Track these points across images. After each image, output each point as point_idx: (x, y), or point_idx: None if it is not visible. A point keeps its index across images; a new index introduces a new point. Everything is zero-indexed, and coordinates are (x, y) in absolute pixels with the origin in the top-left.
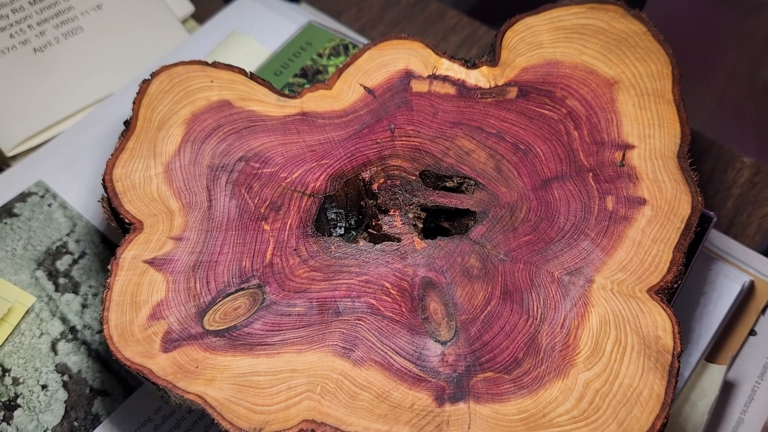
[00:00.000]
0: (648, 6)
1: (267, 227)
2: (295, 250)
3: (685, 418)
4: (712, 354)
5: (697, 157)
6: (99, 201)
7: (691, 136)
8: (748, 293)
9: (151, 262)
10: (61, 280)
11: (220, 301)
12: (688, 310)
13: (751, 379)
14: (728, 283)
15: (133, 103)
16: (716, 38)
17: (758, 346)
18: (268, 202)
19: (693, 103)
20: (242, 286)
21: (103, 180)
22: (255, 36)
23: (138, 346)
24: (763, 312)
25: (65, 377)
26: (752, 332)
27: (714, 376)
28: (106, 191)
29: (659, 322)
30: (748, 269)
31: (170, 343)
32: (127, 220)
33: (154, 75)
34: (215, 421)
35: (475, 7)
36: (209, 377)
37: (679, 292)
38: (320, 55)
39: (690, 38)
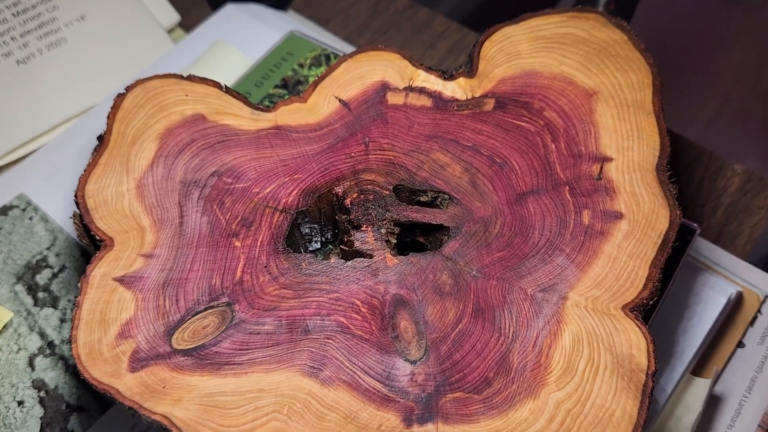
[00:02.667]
0: (649, 7)
1: (238, 244)
2: (266, 267)
3: None
4: (697, 367)
5: (687, 166)
6: (70, 217)
7: (681, 144)
8: (735, 305)
9: (120, 280)
10: (41, 295)
11: (189, 319)
12: (673, 322)
13: (738, 393)
14: (714, 295)
15: (108, 117)
16: (721, 39)
17: (746, 359)
18: (239, 218)
19: (696, 105)
20: (211, 304)
21: (75, 196)
22: (239, 45)
23: (106, 366)
24: (751, 323)
25: (42, 393)
26: (740, 344)
27: (699, 390)
28: (78, 207)
29: (633, 340)
30: (737, 279)
31: (138, 362)
32: (98, 237)
33: (128, 89)
34: None
35: (470, 16)
36: (176, 397)
37: (662, 304)
38: (301, 66)
39: (693, 39)
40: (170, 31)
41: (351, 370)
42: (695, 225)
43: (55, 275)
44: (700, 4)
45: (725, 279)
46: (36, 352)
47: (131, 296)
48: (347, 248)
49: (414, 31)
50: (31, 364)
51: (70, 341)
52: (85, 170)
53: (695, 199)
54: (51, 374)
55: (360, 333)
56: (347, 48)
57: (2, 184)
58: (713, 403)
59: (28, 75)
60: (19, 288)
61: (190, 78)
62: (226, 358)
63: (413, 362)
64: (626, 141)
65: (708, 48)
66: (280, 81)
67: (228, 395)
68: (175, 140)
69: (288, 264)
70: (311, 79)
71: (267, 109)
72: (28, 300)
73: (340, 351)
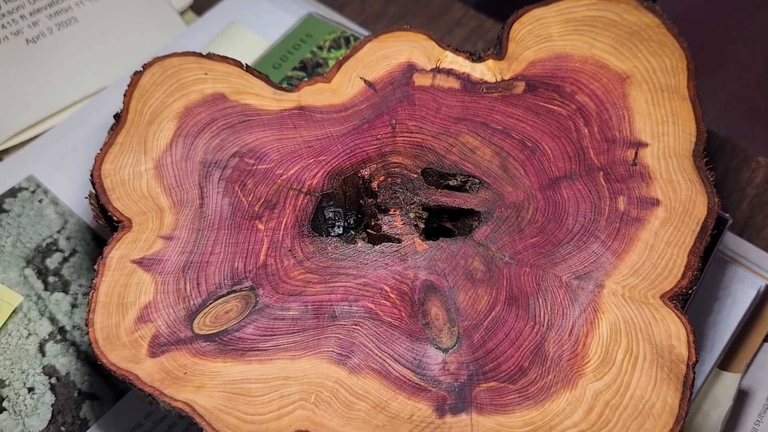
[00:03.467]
0: (660, 2)
1: (261, 226)
2: (290, 250)
3: (697, 429)
4: (725, 361)
5: (711, 157)
6: (86, 198)
7: None
8: (763, 298)
9: (139, 262)
10: (51, 279)
11: (210, 303)
12: (701, 316)
13: (766, 388)
14: (743, 287)
15: (124, 95)
16: (729, 34)
17: None
18: (262, 200)
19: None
20: (234, 288)
21: (91, 176)
22: (254, 28)
23: (124, 351)
24: None
25: (53, 380)
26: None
27: (728, 384)
28: (94, 187)
29: (673, 330)
30: (764, 273)
31: (158, 347)
32: (115, 218)
33: (146, 67)
34: (204, 431)
35: (482, 1)
36: (198, 384)
37: (693, 297)
38: (320, 48)
39: (702, 34)
40: (182, 13)
41: (380, 357)
42: (727, 215)
43: (65, 259)
44: (708, 1)
45: (753, 272)
46: (47, 337)
47: (150, 279)
48: (374, 232)
49: (431, 17)
50: (41, 349)
51: (86, 324)
52: (101, 149)
53: (719, 190)
54: (62, 360)
55: (389, 319)
56: (364, 32)
57: (11, 165)
58: (740, 398)
59: (38, 55)
60: (29, 272)
61: (210, 56)
62: (249, 344)
63: (445, 350)
64: (661, 126)
65: (716, 45)
66: (299, 63)
67: (252, 382)
68: (195, 120)
69: (313, 248)
70: (330, 62)
71: (290, 89)
72: (39, 284)
73: (368, 338)
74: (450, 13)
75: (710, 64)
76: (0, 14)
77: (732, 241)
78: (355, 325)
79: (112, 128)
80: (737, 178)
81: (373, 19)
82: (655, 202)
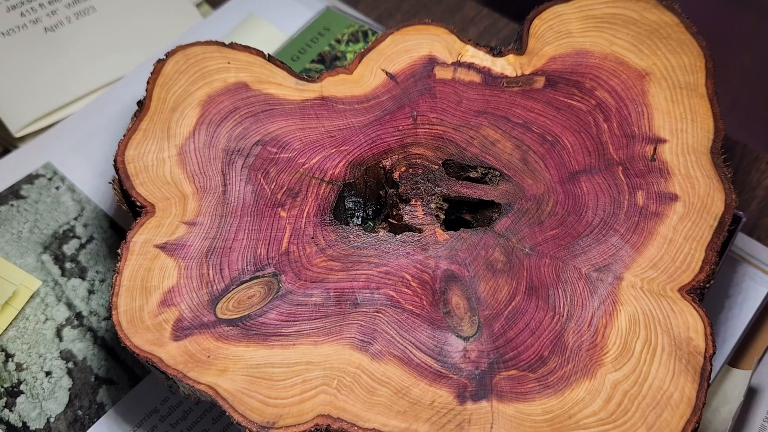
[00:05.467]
0: None
1: (283, 214)
2: (313, 238)
3: (706, 425)
4: (735, 358)
5: None
6: (110, 182)
7: None
8: None
9: (162, 247)
10: (68, 265)
11: (233, 289)
12: (712, 313)
13: None
14: (754, 285)
15: (147, 82)
16: (730, 41)
17: None
18: (285, 189)
19: None
20: (257, 274)
21: (115, 161)
22: (271, 21)
23: (147, 334)
24: None
25: (70, 364)
26: None
27: (738, 381)
28: (117, 173)
29: (691, 322)
30: None
31: (181, 331)
32: (138, 203)
33: (169, 55)
34: (226, 414)
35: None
36: (221, 368)
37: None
38: (338, 41)
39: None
40: (197, 5)
41: (402, 344)
42: (740, 213)
43: (82, 246)
44: (709, 7)
45: (763, 272)
46: (64, 322)
47: (173, 264)
48: (396, 222)
49: (444, 14)
50: (58, 334)
51: (109, 307)
52: (124, 135)
53: None
54: (79, 345)
55: (410, 307)
56: (381, 28)
57: (28, 152)
58: (750, 394)
59: (56, 43)
60: (46, 258)
61: (233, 46)
62: (272, 329)
63: (466, 338)
64: (680, 123)
65: (716, 51)
66: (317, 56)
67: (275, 367)
68: (218, 108)
69: (335, 236)
70: (349, 55)
71: (312, 80)
72: (56, 270)
73: (390, 325)
74: (463, 11)
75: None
76: (19, 2)
77: (742, 241)
78: (377, 312)
79: (135, 115)
80: (746, 180)
81: (386, 15)
82: (674, 198)
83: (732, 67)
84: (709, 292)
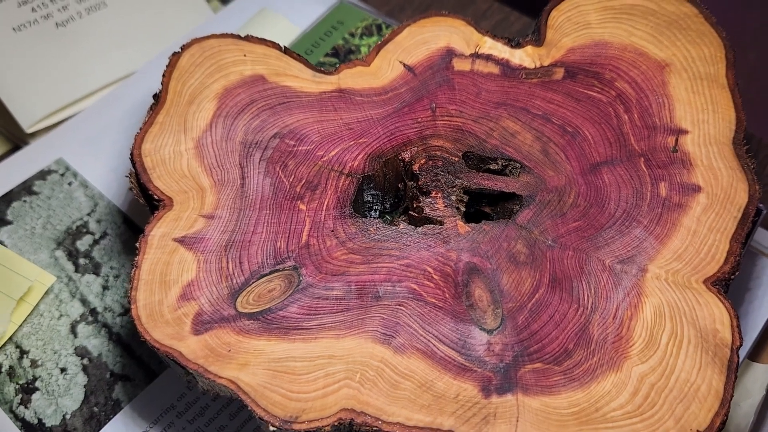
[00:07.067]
0: None
1: (303, 207)
2: (333, 231)
3: (728, 419)
4: (756, 352)
5: None
6: (127, 176)
7: None
8: None
9: (181, 241)
10: (82, 261)
11: (253, 282)
12: (734, 306)
13: None
14: None
15: (163, 75)
16: (736, 40)
17: None
18: (303, 181)
19: None
20: (277, 267)
21: (132, 154)
22: (284, 14)
23: (167, 328)
24: None
25: (85, 361)
26: None
27: (758, 375)
28: (134, 166)
29: (717, 314)
30: None
31: (201, 325)
32: (156, 197)
33: (184, 47)
34: (248, 408)
35: None
36: (242, 362)
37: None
38: (352, 35)
39: None
40: (208, 0)
41: (425, 337)
42: (761, 206)
43: (96, 242)
44: (716, 6)
45: None
46: (78, 318)
47: (192, 257)
48: (416, 214)
49: (456, 9)
50: (73, 330)
51: (128, 302)
52: (140, 128)
53: None
54: (94, 342)
55: (433, 300)
56: (393, 22)
57: (40, 148)
58: None
59: (68, 38)
60: (60, 254)
61: (248, 38)
62: (293, 323)
63: (489, 331)
64: (701, 114)
65: None
66: (331, 49)
67: (297, 360)
68: (235, 100)
69: (355, 229)
70: (363, 49)
71: (329, 72)
72: (69, 266)
73: (412, 318)
74: (476, 5)
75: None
76: None
77: (761, 235)
78: (399, 305)
79: (151, 108)
80: (761, 173)
81: (398, 10)
82: (697, 189)
83: (739, 66)
84: (729, 286)
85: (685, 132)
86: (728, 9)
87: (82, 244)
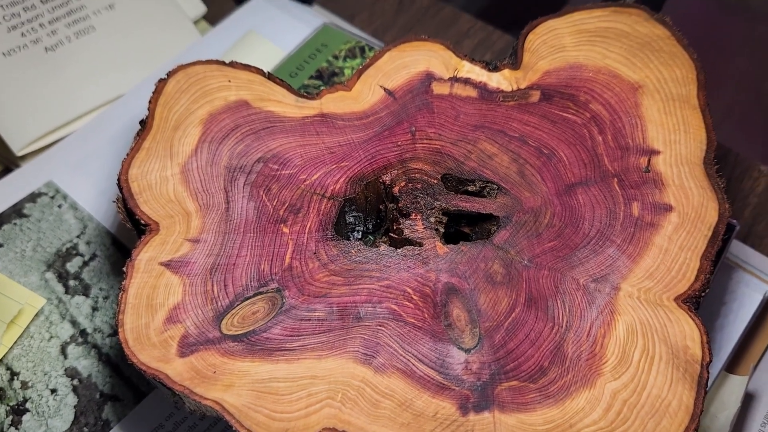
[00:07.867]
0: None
1: (286, 230)
2: (315, 253)
3: (705, 431)
4: (732, 365)
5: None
6: (114, 201)
7: None
8: None
9: (167, 265)
10: (72, 283)
11: (238, 305)
12: (709, 320)
13: None
14: (749, 292)
15: (149, 102)
16: (724, 47)
17: None
18: (286, 205)
19: None
20: (261, 289)
21: (119, 180)
22: (270, 37)
23: (154, 350)
24: None
25: (75, 381)
26: None
27: (735, 387)
28: (121, 191)
29: (687, 331)
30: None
31: (187, 347)
32: (142, 221)
33: (170, 74)
34: (233, 429)
35: (485, 10)
36: (227, 383)
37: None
38: (336, 57)
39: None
40: (195, 23)
41: (405, 357)
42: (734, 221)
43: (85, 263)
44: (703, 13)
45: (757, 278)
46: (68, 340)
47: (178, 281)
48: (396, 236)
49: (439, 28)
50: (63, 352)
51: (116, 325)
52: (127, 154)
53: None
54: (84, 363)
55: (412, 320)
56: (377, 42)
57: (30, 171)
58: (747, 400)
59: (57, 62)
60: (50, 276)
61: (233, 64)
62: (277, 344)
63: (467, 350)
64: (673, 134)
65: (711, 57)
66: (315, 72)
67: (280, 381)
68: (219, 126)
69: (337, 251)
70: (346, 71)
71: (311, 97)
72: (59, 288)
73: (392, 338)
74: (458, 25)
75: (706, 76)
76: (20, 23)
77: (736, 248)
78: (380, 325)
79: (138, 134)
80: (739, 188)
81: (382, 30)
82: (668, 208)
83: (725, 74)
84: (705, 299)
85: (657, 152)
86: (715, 17)
87: (72, 266)
